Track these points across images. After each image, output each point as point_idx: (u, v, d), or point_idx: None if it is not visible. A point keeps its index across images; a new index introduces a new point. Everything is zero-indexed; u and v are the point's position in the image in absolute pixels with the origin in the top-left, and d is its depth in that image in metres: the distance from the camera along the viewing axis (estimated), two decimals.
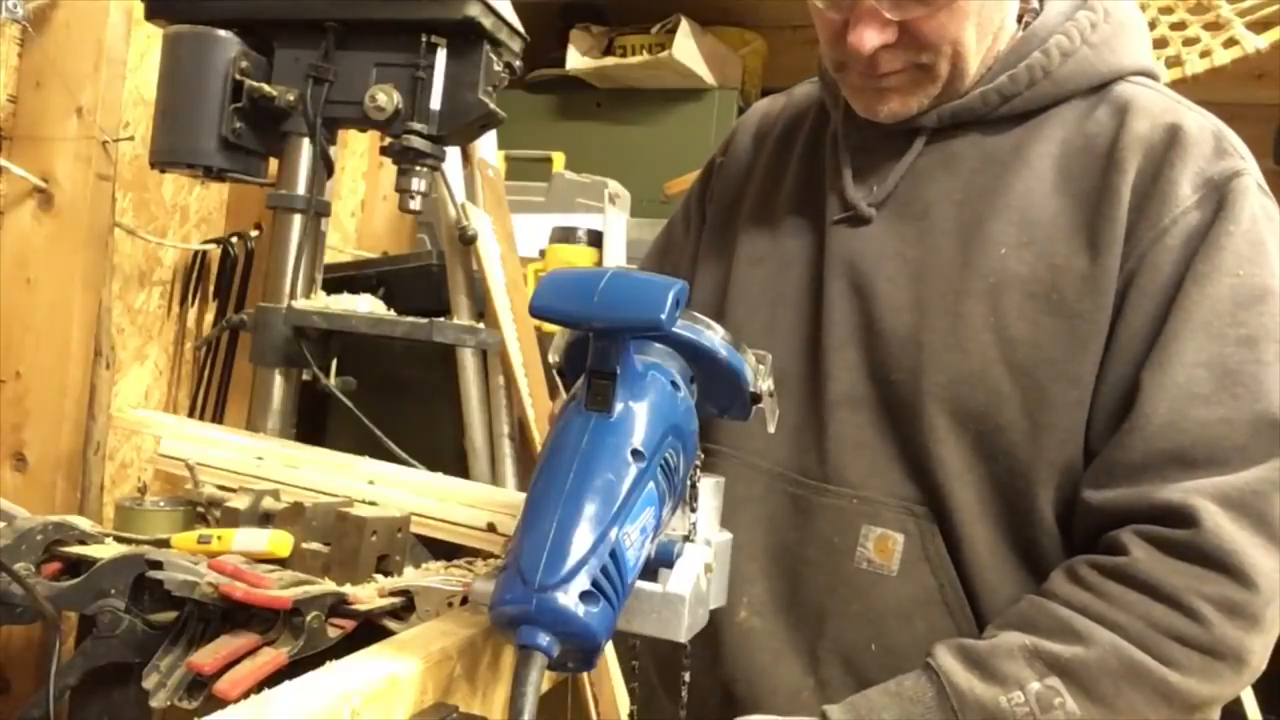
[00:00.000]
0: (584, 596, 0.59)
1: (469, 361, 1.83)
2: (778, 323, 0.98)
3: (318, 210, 1.59)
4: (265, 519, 1.06)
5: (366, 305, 1.61)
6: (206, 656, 0.82)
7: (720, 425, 1.00)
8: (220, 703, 0.74)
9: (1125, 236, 0.84)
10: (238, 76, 1.51)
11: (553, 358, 0.76)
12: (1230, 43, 1.88)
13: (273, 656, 0.83)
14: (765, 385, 0.75)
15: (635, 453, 0.64)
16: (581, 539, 0.60)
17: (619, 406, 0.65)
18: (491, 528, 1.13)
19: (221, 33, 1.51)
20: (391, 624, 0.90)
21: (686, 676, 0.83)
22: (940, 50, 0.88)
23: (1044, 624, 0.80)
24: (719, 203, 1.12)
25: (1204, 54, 1.89)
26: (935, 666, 0.81)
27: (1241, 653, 0.77)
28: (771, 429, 0.78)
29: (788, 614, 0.94)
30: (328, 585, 0.91)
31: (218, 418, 1.97)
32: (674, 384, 0.70)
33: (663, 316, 0.62)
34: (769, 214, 1.04)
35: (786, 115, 1.12)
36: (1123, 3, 0.95)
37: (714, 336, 0.73)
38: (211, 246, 1.97)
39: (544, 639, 0.59)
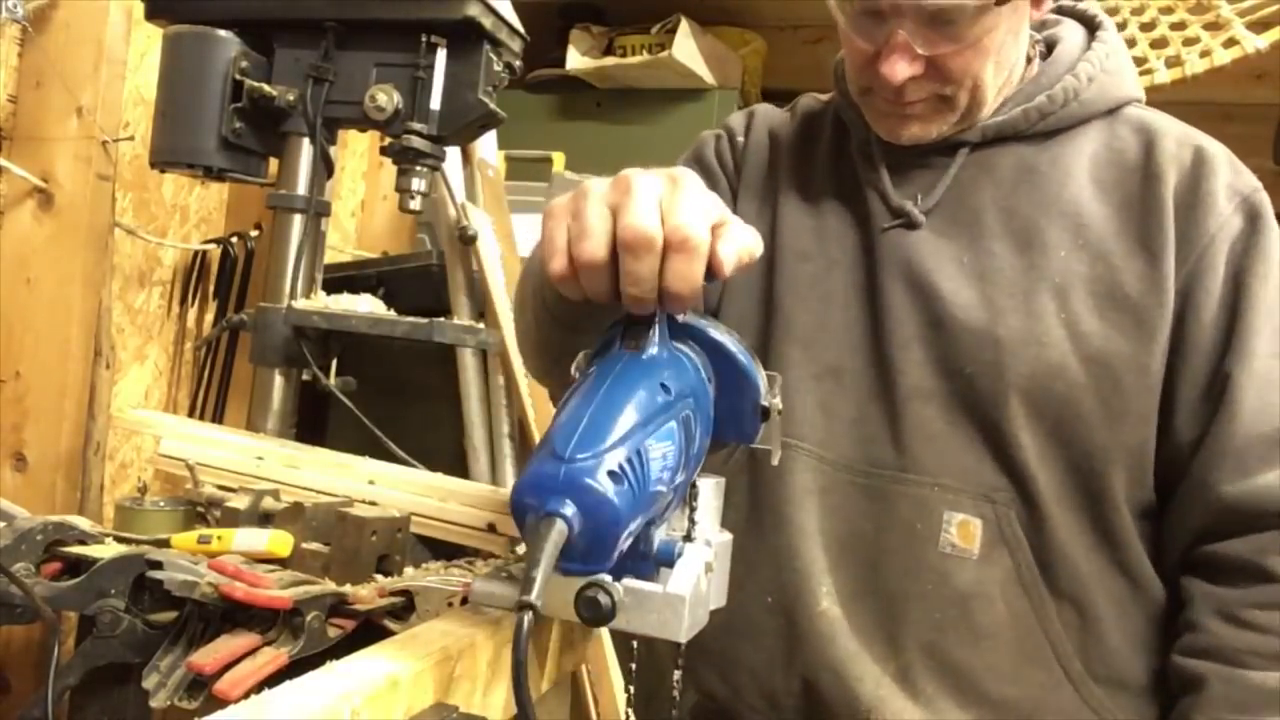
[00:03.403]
0: (611, 475, 0.60)
1: (469, 361, 1.83)
2: (830, 320, 1.03)
3: (318, 210, 1.59)
4: (265, 519, 1.06)
5: (366, 305, 1.61)
6: (206, 656, 0.82)
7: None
8: (220, 703, 0.74)
9: (1177, 241, 0.95)
10: (238, 76, 1.51)
11: (574, 373, 0.76)
12: (1230, 43, 1.88)
13: (273, 656, 0.83)
14: (775, 402, 0.75)
15: (664, 386, 0.67)
16: (613, 427, 0.62)
17: (651, 349, 0.68)
18: (491, 528, 1.13)
19: (221, 33, 1.51)
20: (391, 624, 0.90)
21: (677, 677, 0.84)
22: (962, 84, 0.96)
23: (1258, 702, 0.88)
24: (749, 182, 1.14)
25: (1204, 54, 1.89)
26: None
27: None
28: (775, 462, 0.79)
29: (866, 601, 0.98)
30: (328, 585, 0.91)
31: (218, 418, 1.97)
32: (697, 368, 0.72)
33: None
34: (807, 214, 1.08)
35: (796, 125, 1.15)
36: (1117, 38, 1.07)
37: (735, 341, 0.75)
38: (211, 246, 1.97)
39: (568, 509, 0.59)
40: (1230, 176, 0.97)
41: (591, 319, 0.77)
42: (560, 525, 0.58)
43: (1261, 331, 0.92)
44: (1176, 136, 0.99)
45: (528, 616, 0.56)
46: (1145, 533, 0.97)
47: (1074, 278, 0.95)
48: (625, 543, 0.62)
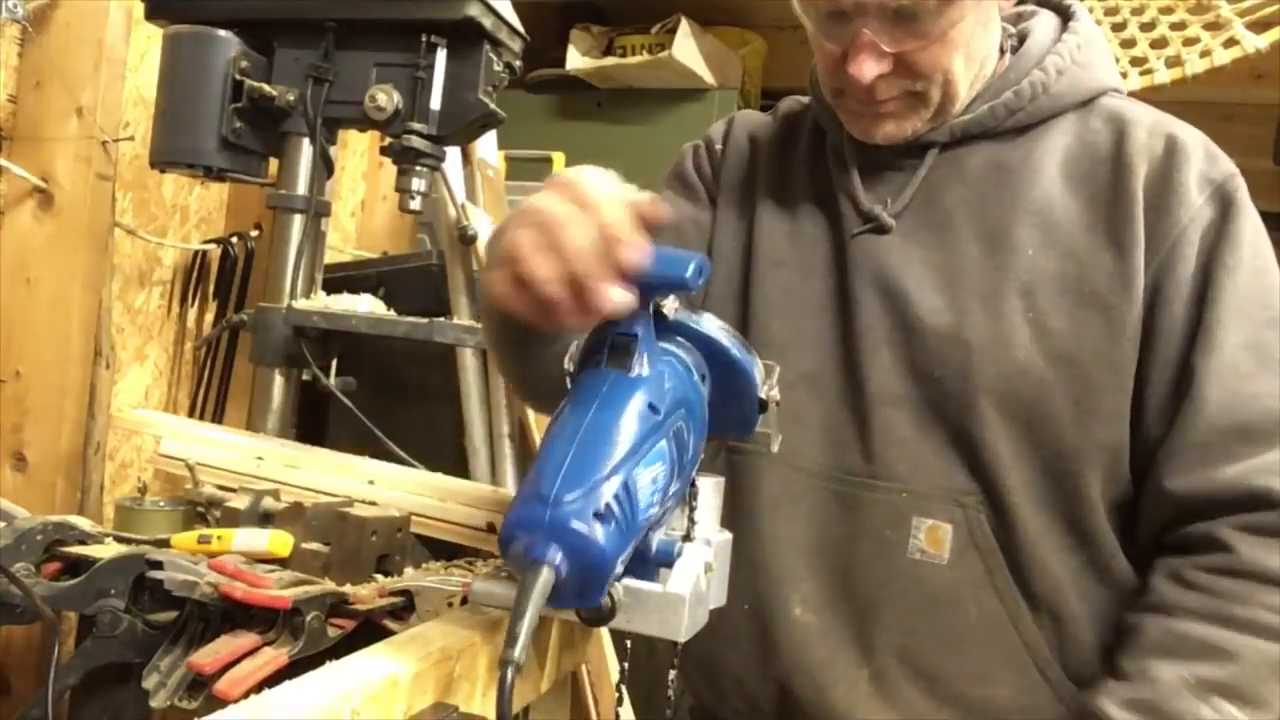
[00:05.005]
0: (597, 516, 0.59)
1: (469, 361, 1.83)
2: (805, 326, 1.02)
3: (318, 210, 1.59)
4: (265, 519, 1.06)
5: (366, 305, 1.62)
6: (206, 656, 0.82)
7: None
8: (220, 703, 0.74)
9: (1146, 234, 0.93)
10: (238, 76, 1.51)
11: (567, 365, 0.76)
12: (1230, 43, 1.88)
13: (273, 656, 0.83)
14: (773, 393, 0.75)
15: (651, 406, 0.66)
16: (598, 464, 0.61)
17: (637, 367, 0.67)
18: (491, 528, 1.13)
19: (221, 33, 1.51)
20: (391, 624, 0.90)
21: (672, 676, 0.83)
22: (933, 79, 0.95)
23: (1189, 648, 0.87)
24: (728, 191, 1.14)
25: (1204, 54, 1.89)
26: None
27: None
28: (775, 449, 0.79)
29: (839, 607, 0.97)
30: (328, 585, 0.91)
31: (218, 418, 1.97)
32: (688, 369, 0.72)
33: (687, 275, 0.65)
34: (783, 220, 1.07)
35: (776, 129, 1.15)
36: (1092, 27, 1.05)
37: (729, 335, 0.74)
38: (211, 246, 1.97)
39: (555, 553, 0.58)
40: (1204, 165, 0.94)
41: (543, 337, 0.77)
42: (546, 574, 0.58)
43: (1229, 323, 0.90)
44: (1149, 126, 0.97)
45: (510, 670, 0.56)
46: (1125, 530, 0.95)
47: (1042, 276, 0.94)
48: (618, 571, 0.62)
